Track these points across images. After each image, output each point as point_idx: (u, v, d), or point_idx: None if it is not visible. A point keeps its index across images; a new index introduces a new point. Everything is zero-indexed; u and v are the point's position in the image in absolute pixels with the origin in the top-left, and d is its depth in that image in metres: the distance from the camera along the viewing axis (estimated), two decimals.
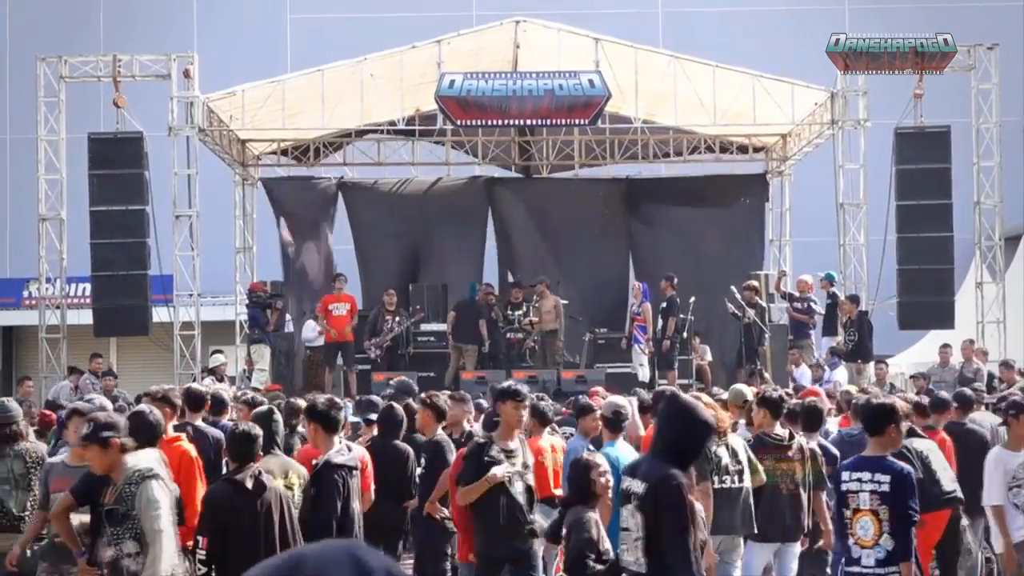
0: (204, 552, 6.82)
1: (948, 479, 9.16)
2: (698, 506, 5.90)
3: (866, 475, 6.68)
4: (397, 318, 20.49)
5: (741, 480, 8.58)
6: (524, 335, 20.56)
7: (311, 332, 20.76)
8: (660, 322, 19.44)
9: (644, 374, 19.07)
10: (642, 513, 5.74)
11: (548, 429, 9.86)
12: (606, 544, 6.42)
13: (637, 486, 5.82)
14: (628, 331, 20.24)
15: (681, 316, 19.98)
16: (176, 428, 10.29)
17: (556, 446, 9.76)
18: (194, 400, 10.52)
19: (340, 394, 17.66)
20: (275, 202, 23.54)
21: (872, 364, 18.89)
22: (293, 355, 21.30)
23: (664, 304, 19.55)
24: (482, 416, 11.16)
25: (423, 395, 10.01)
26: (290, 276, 23.32)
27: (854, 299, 19.58)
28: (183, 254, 20.72)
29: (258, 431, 7.36)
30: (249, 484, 6.92)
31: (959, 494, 9.18)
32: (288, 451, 8.95)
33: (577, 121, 20.60)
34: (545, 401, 10.90)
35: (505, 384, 8.23)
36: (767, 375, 18.56)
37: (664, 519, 5.64)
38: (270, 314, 20.27)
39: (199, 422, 10.21)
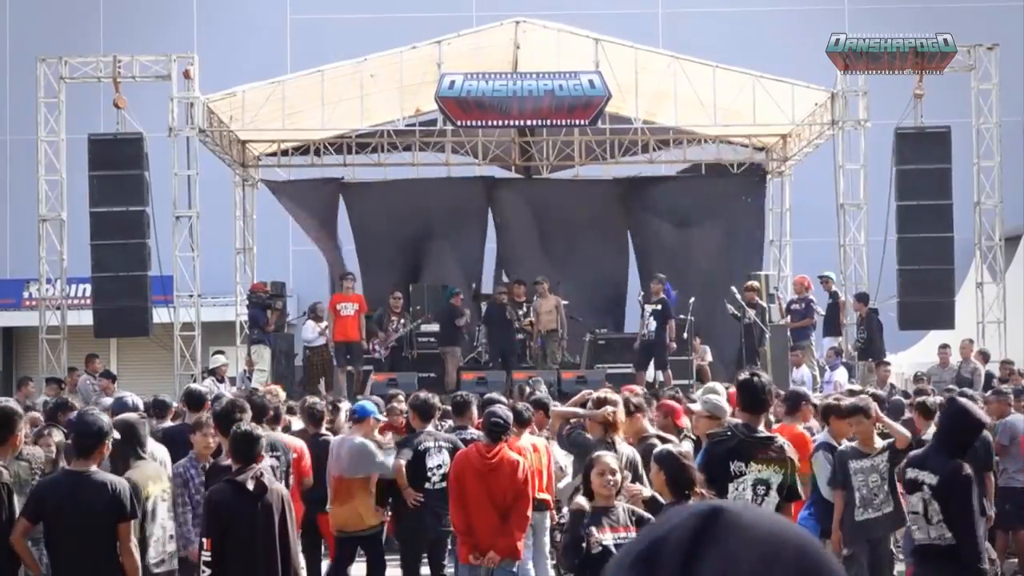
0: (208, 553, 6.83)
1: None
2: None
3: None
4: (402, 320, 20.55)
5: None
6: (525, 336, 20.60)
7: (310, 333, 20.77)
8: (653, 323, 19.33)
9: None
10: (938, 500, 7.00)
11: (528, 430, 9.88)
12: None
13: (928, 477, 7.06)
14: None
15: (681, 317, 20.00)
16: (170, 431, 10.35)
17: (538, 446, 9.75)
18: (194, 401, 10.57)
19: (349, 394, 17.70)
20: (280, 202, 23.56)
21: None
22: (293, 356, 21.31)
23: (658, 306, 19.47)
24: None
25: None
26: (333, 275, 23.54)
27: (863, 298, 19.56)
28: (183, 255, 20.73)
29: (260, 432, 7.37)
30: (250, 486, 6.93)
31: None
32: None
33: (577, 121, 20.61)
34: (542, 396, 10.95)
35: None
36: (767, 376, 18.55)
37: (954, 503, 6.89)
38: (270, 315, 20.29)
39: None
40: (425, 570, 9.91)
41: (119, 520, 6.80)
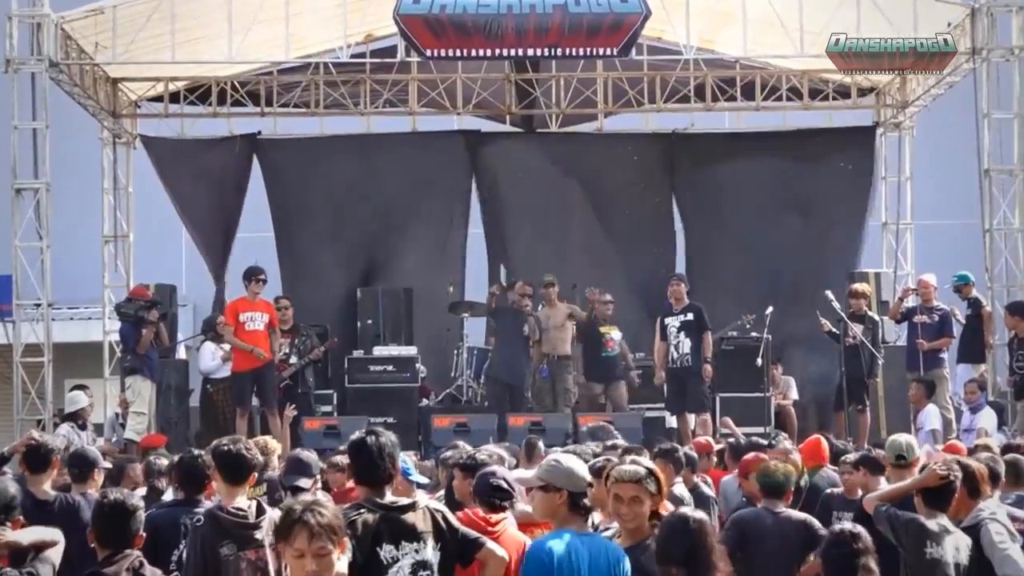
0: None
1: None
2: None
3: None
4: (295, 340, 20.39)
5: None
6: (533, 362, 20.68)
7: (209, 360, 20.60)
8: (686, 343, 19.19)
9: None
10: None
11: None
12: None
13: None
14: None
15: (754, 335, 19.96)
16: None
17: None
18: (37, 458, 10.32)
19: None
20: (161, 170, 23.47)
21: None
22: (188, 392, 21.17)
23: (688, 316, 19.31)
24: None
25: None
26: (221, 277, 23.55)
27: (1018, 308, 19.47)
28: (27, 245, 20.57)
29: (137, 502, 7.33)
30: None
31: None
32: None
33: (602, 51, 20.52)
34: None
35: None
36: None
37: None
38: (145, 331, 20.06)
39: (46, 487, 10.05)
40: None
41: None
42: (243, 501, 8.46)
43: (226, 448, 8.57)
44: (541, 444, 14.12)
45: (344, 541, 5.46)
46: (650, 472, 7.52)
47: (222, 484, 8.49)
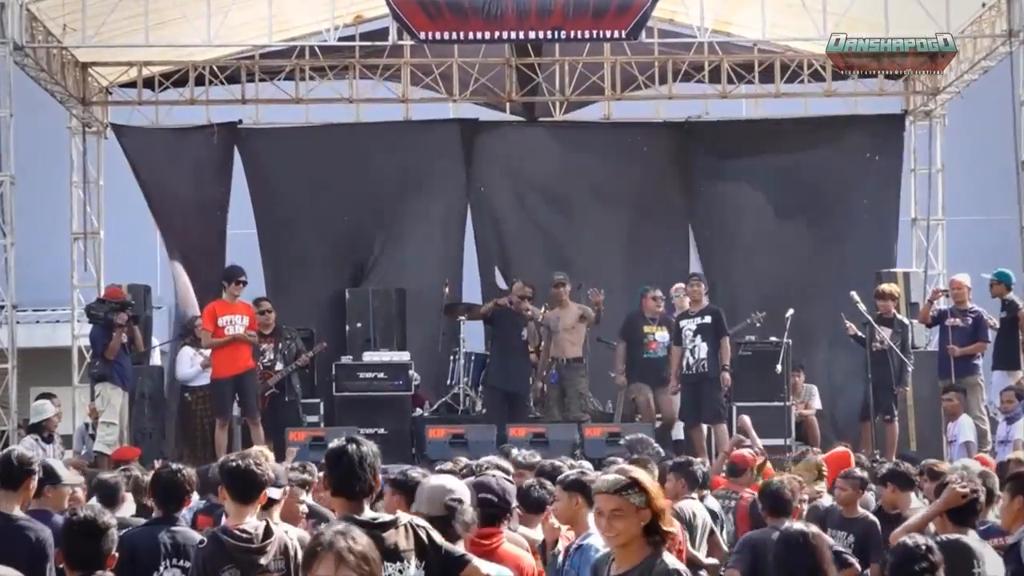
0: None
1: None
2: None
3: None
4: (279, 345, 20.31)
5: None
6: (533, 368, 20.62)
7: (187, 366, 20.53)
8: (703, 347, 19.24)
9: None
10: None
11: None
12: None
13: None
14: None
15: (773, 339, 19.95)
16: None
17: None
18: (8, 477, 10.31)
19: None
20: (134, 160, 23.41)
21: None
22: (163, 401, 21.10)
23: (706, 319, 19.38)
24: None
25: None
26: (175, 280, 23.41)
27: None
28: None
29: (110, 520, 7.31)
30: None
31: None
32: None
33: (609, 33, 20.49)
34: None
35: None
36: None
37: None
38: (115, 334, 19.98)
39: (15, 510, 10.01)
40: None
41: None
42: (252, 522, 8.34)
43: (234, 464, 8.43)
44: (515, 451, 14.10)
45: None
46: (634, 482, 7.03)
47: (230, 503, 8.37)
